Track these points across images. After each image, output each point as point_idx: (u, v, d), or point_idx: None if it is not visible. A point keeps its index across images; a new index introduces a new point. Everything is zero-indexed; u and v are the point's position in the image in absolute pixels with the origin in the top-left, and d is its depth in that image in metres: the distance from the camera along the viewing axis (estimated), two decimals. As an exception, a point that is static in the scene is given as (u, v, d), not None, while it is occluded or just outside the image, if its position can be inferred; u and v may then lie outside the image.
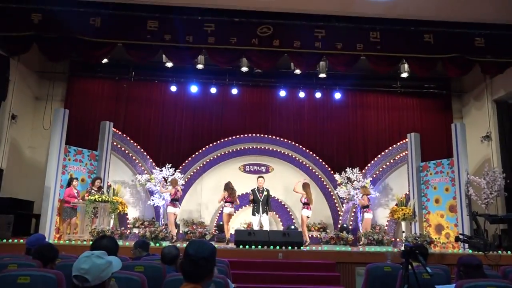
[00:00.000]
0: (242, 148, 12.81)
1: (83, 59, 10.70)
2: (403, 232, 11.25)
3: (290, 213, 12.33)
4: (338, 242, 10.59)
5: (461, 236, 9.06)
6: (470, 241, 8.89)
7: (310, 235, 11.86)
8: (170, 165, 11.92)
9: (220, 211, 11.63)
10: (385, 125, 13.48)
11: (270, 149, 12.83)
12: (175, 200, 10.63)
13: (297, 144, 12.95)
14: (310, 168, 12.71)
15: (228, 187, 10.50)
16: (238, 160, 12.76)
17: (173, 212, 10.57)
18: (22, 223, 10.46)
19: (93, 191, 10.45)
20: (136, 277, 3.56)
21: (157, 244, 8.82)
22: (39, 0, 9.25)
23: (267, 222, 10.46)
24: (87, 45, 9.42)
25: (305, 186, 10.74)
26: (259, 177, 10.86)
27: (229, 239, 10.41)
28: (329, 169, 12.71)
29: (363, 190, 11.12)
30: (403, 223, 11.48)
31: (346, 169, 12.18)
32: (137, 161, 12.22)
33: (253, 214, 10.50)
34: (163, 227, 10.15)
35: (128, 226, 11.54)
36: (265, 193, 10.55)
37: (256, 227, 10.32)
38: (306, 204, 10.67)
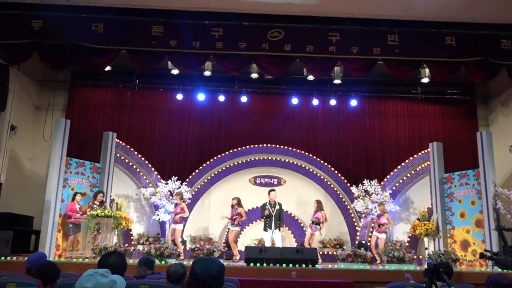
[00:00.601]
0: (252, 159, 12.85)
1: (85, 67, 10.86)
2: (426, 249, 11.14)
3: (304, 228, 12.27)
4: (355, 260, 10.52)
5: (486, 253, 8.93)
6: (496, 258, 8.75)
7: (325, 252, 11.83)
8: (176, 177, 11.99)
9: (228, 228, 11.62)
10: (405, 134, 13.44)
11: (282, 160, 12.85)
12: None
13: (310, 155, 12.96)
14: (325, 180, 12.71)
15: (240, 203, 10.54)
16: (248, 172, 12.80)
17: (180, 228, 10.63)
18: (21, 240, 10.54)
19: (95, 205, 10.52)
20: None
21: (163, 262, 8.84)
22: (40, 7, 9.43)
23: (279, 238, 10.46)
24: (89, 52, 9.54)
25: (319, 204, 10.76)
26: (270, 190, 10.87)
27: (237, 256, 10.43)
28: (345, 181, 12.70)
29: (383, 209, 10.97)
30: (425, 239, 11.36)
31: (364, 181, 12.15)
32: (141, 173, 12.30)
33: (265, 230, 10.50)
34: (169, 243, 10.13)
35: (132, 242, 11.58)
36: (277, 207, 10.56)
37: (268, 244, 10.32)
38: (318, 224, 10.66)
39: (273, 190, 10.85)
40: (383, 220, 10.68)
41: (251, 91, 12.97)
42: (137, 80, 12.70)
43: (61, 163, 10.69)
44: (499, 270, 8.67)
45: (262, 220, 10.80)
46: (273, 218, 10.44)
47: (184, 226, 11.08)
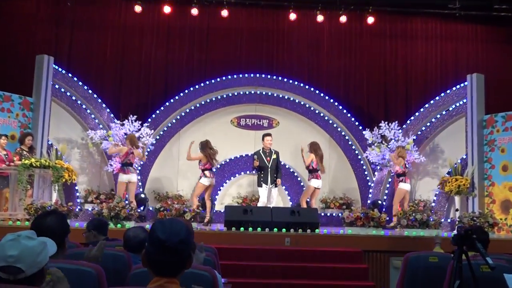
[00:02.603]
0: (236, 93, 12.81)
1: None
2: (457, 210, 11.36)
3: (302, 183, 12.45)
4: (366, 224, 10.69)
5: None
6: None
7: (328, 214, 12.09)
8: (135, 117, 11.97)
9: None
10: (436, 63, 13.44)
11: (275, 95, 12.83)
12: (128, 165, 10.81)
13: (312, 89, 12.93)
14: (330, 121, 12.76)
15: (207, 147, 10.51)
16: (229, 110, 12.80)
17: (125, 181, 10.77)
18: None
19: (24, 152, 10.47)
20: (90, 269, 3.55)
21: (119, 226, 8.92)
22: None
23: (275, 195, 10.75)
24: None
25: (313, 146, 10.92)
26: (266, 135, 10.96)
27: (211, 219, 10.62)
28: (357, 123, 12.77)
29: (398, 152, 11.19)
30: (457, 198, 11.58)
31: (381, 124, 12.23)
32: (88, 111, 12.23)
33: (259, 185, 10.72)
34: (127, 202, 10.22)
35: (78, 201, 11.65)
36: (274, 156, 10.73)
37: (263, 202, 10.54)
38: (315, 172, 10.85)
39: (269, 134, 10.97)
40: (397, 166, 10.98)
41: (234, 2, 12.76)
42: (80, -15, 12.43)
43: (-20, 96, 10.52)
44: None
45: (253, 173, 10.97)
46: (269, 170, 10.59)
47: (139, 176, 11.10)
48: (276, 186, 10.70)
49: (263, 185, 10.60)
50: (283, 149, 12.03)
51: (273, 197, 10.66)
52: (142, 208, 11.25)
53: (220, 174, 12.34)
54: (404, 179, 11.28)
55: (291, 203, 12.33)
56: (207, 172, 10.42)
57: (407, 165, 11.54)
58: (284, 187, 12.40)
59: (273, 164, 10.63)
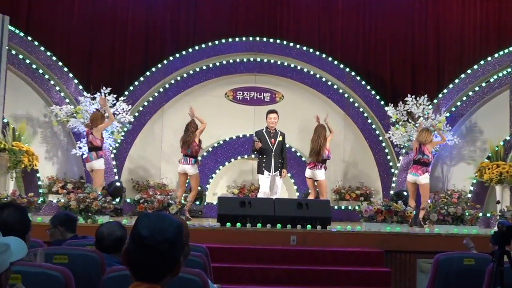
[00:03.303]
0: (231, 61, 12.76)
1: None
2: (498, 203, 11.37)
3: None
4: (388, 219, 10.68)
5: None
6: None
7: (343, 207, 12.17)
8: (109, 89, 11.88)
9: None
10: (475, 25, 13.36)
11: (278, 62, 12.78)
12: (96, 149, 10.69)
13: (324, 55, 12.89)
14: (346, 95, 12.72)
15: (187, 130, 10.60)
16: (223, 81, 12.79)
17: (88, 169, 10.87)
18: None
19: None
20: (56, 273, 3.59)
21: (89, 221, 8.90)
22: None
23: (280, 184, 10.72)
24: None
25: (318, 130, 10.86)
26: (270, 112, 10.88)
27: (202, 212, 10.76)
28: (378, 97, 12.73)
29: (423, 135, 11.02)
30: (497, 189, 11.58)
31: (407, 98, 12.18)
32: (52, 82, 12.17)
33: (260, 172, 10.67)
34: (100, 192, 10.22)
35: (41, 191, 11.65)
36: (279, 138, 10.67)
37: (264, 193, 10.51)
38: (323, 162, 10.89)
39: (274, 111, 10.87)
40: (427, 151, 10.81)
41: None
42: None
43: None
44: None
45: (253, 157, 11.02)
46: (272, 154, 10.55)
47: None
48: (280, 175, 10.65)
49: (265, 172, 10.53)
50: (288, 129, 11.95)
51: (277, 186, 10.62)
52: (118, 199, 11.21)
53: (212, 158, 12.37)
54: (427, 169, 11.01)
55: (297, 193, 12.30)
56: (185, 159, 10.57)
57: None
58: (289, 175, 12.26)
59: (278, 148, 10.58)
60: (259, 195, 10.65)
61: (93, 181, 10.69)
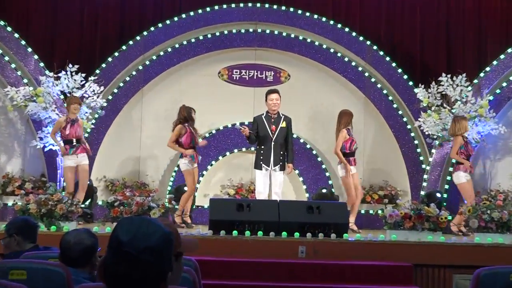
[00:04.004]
0: (226, 32, 12.77)
1: None
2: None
3: (323, 165, 12.42)
4: (419, 226, 10.66)
5: None
6: None
7: (362, 211, 12.12)
8: (77, 67, 11.84)
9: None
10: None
11: (284, 34, 12.76)
12: (69, 142, 10.78)
13: (339, 25, 12.87)
14: (367, 74, 12.71)
15: (189, 114, 10.69)
16: (216, 57, 12.81)
17: (72, 165, 10.82)
18: None
19: None
20: (11, 291, 3.61)
21: (53, 228, 8.92)
22: None
23: (281, 183, 10.58)
24: None
25: (343, 116, 10.93)
26: (270, 92, 10.80)
27: (190, 218, 10.77)
28: (406, 77, 12.70)
29: (458, 124, 11.07)
30: (552, 189, 11.59)
31: (441, 78, 12.10)
32: (7, 58, 12.14)
33: (257, 167, 10.60)
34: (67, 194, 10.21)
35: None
36: (282, 124, 10.59)
37: (261, 194, 10.46)
38: (351, 155, 10.99)
39: (274, 91, 10.80)
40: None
41: None
42: None
43: None
44: None
45: (254, 150, 10.98)
46: (272, 144, 10.48)
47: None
48: (282, 170, 10.54)
49: (263, 167, 10.46)
50: (295, 116, 11.83)
51: (278, 185, 10.49)
52: (87, 202, 11.24)
53: (203, 152, 12.13)
54: (459, 167, 11.06)
55: (307, 194, 12.27)
56: (188, 152, 10.70)
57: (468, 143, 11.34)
58: (297, 171, 12.27)
59: (280, 136, 10.47)
60: (257, 196, 10.59)
61: (80, 182, 10.75)
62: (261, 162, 10.48)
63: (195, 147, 10.83)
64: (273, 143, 10.44)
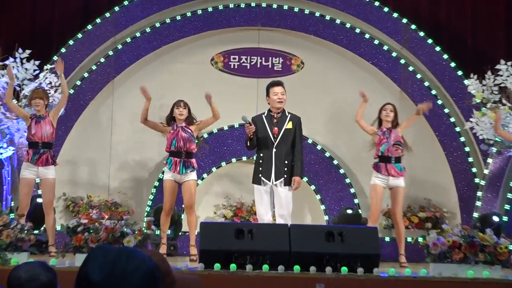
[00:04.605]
0: (221, 7, 12.94)
1: None
2: None
3: (347, 179, 12.27)
4: (471, 258, 10.31)
5: None
6: None
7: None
8: (29, 53, 11.86)
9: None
10: None
11: (296, 10, 12.76)
12: (33, 146, 10.82)
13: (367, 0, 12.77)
14: (403, 62, 12.72)
15: (170, 113, 10.93)
16: (209, 40, 12.99)
17: (30, 177, 10.83)
18: None
19: None
20: None
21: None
22: None
23: (288, 202, 10.17)
24: None
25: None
26: (272, 84, 10.53)
27: (176, 246, 10.85)
28: (453, 65, 12.57)
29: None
30: None
31: (499, 66, 12.02)
32: None
33: (256, 182, 10.34)
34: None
35: None
36: (287, 125, 10.24)
37: (264, 216, 10.19)
38: (384, 159, 11.07)
39: (278, 83, 10.54)
40: None
41: None
42: None
43: None
44: None
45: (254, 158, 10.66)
46: (273, 151, 10.10)
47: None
48: (289, 186, 10.18)
49: (262, 181, 10.18)
50: (311, 114, 11.97)
51: (283, 206, 10.15)
52: (42, 228, 11.20)
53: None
54: None
55: (327, 217, 12.12)
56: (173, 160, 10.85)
57: None
58: (313, 187, 12.19)
59: (285, 140, 10.16)
60: (259, 221, 10.35)
61: (44, 196, 10.82)
62: (260, 175, 10.21)
63: (182, 153, 10.63)
64: (274, 149, 10.17)
